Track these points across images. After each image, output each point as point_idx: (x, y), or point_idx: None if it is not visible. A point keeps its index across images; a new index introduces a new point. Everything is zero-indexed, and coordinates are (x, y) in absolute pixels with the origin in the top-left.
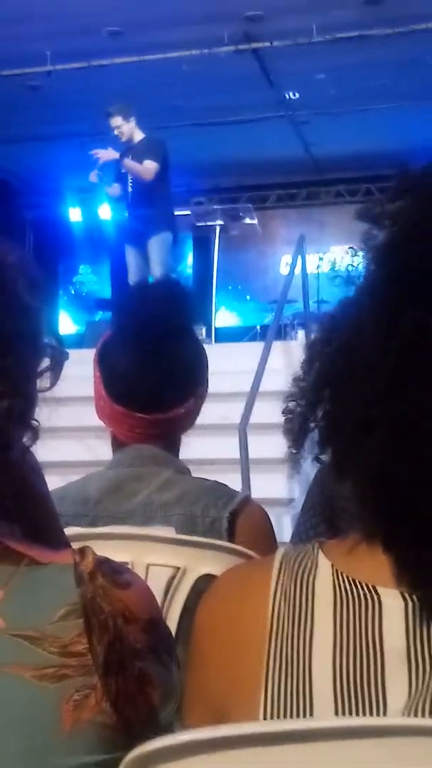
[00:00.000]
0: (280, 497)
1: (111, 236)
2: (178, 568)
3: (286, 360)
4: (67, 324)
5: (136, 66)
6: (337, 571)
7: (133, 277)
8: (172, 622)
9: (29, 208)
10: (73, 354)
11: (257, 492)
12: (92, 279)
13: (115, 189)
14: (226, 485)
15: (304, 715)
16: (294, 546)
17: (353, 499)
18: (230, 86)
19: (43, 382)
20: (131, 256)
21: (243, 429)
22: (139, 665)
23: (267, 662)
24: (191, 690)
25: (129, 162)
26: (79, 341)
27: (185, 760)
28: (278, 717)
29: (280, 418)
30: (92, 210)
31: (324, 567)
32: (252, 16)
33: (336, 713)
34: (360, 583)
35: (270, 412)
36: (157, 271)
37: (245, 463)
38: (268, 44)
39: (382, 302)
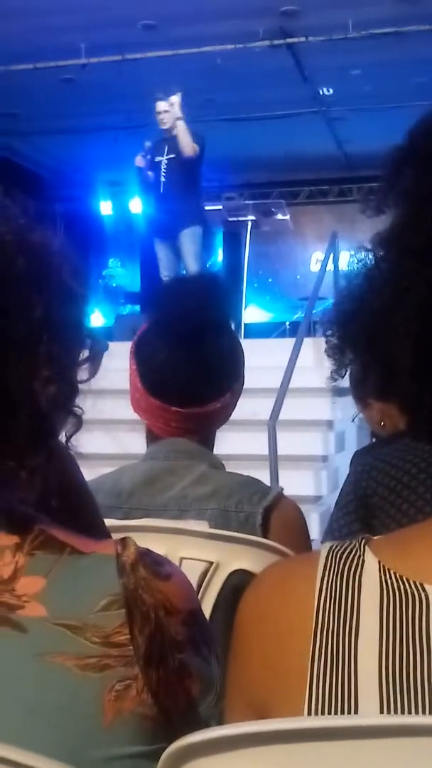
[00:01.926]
0: (307, 494)
1: (141, 230)
2: (211, 563)
3: (316, 357)
4: (96, 317)
5: (170, 60)
6: (384, 567)
7: (164, 271)
8: (205, 616)
9: (61, 201)
10: None
11: (285, 488)
12: (121, 272)
13: (140, 160)
14: (260, 480)
15: (349, 712)
16: (339, 541)
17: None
18: (264, 81)
19: (81, 374)
20: (161, 250)
21: (272, 425)
22: (179, 657)
23: (312, 658)
24: (232, 685)
25: (183, 131)
26: (109, 334)
27: (226, 754)
28: (323, 713)
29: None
30: (123, 204)
31: (371, 563)
32: (287, 11)
33: (381, 711)
34: (407, 580)
35: (299, 408)
36: (190, 264)
37: (274, 459)
38: (303, 39)
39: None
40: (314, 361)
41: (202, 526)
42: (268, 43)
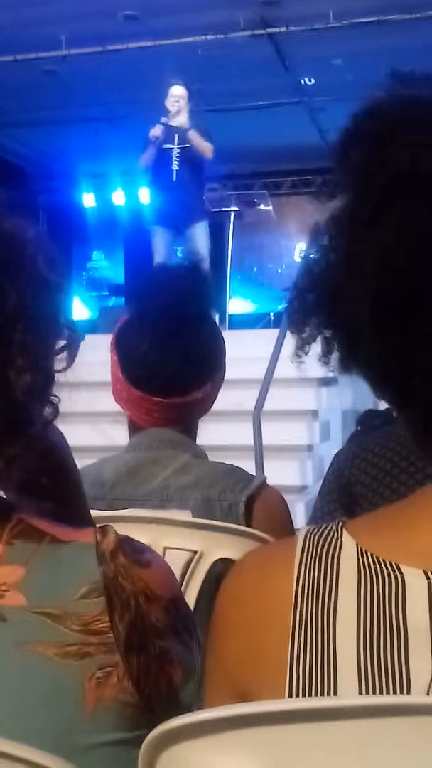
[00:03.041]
0: (293, 484)
1: (125, 222)
2: (195, 552)
3: None
4: (80, 309)
5: (151, 51)
6: (361, 548)
7: (158, 259)
8: (189, 605)
9: (43, 193)
10: (87, 339)
11: (271, 478)
12: (105, 264)
13: (157, 130)
14: (243, 469)
15: (329, 693)
16: (317, 524)
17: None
18: (246, 71)
19: (58, 363)
20: (161, 238)
21: (257, 415)
22: (160, 644)
23: (291, 639)
24: (213, 670)
25: (196, 136)
26: (93, 327)
27: (207, 737)
28: (303, 695)
29: (293, 405)
30: (106, 195)
31: (348, 545)
32: (268, 0)
33: (360, 691)
34: (384, 561)
35: (284, 398)
36: (205, 257)
37: (259, 450)
38: (284, 29)
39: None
40: None
41: (186, 516)
42: (249, 33)
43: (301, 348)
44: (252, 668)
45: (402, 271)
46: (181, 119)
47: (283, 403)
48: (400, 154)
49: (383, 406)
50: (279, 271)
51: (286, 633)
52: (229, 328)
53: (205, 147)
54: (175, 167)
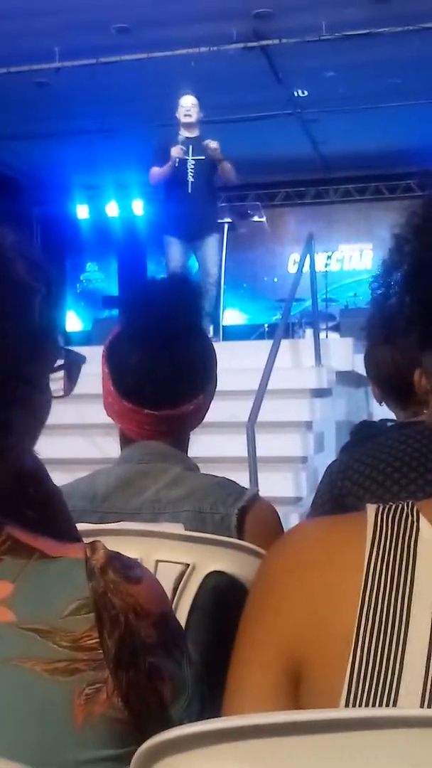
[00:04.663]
0: (287, 495)
1: (118, 233)
2: (187, 565)
3: (294, 358)
4: (74, 321)
5: (144, 63)
6: None
7: (174, 269)
8: (181, 619)
9: (36, 205)
10: (81, 351)
11: (265, 490)
12: (99, 276)
13: (178, 151)
14: (234, 482)
15: (391, 686)
16: (385, 505)
17: None
18: (239, 84)
19: (57, 386)
20: (175, 249)
21: (251, 427)
22: (150, 660)
23: (359, 620)
24: (260, 636)
25: (227, 166)
26: (87, 338)
27: (199, 750)
28: (367, 677)
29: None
30: (99, 207)
31: (426, 532)
32: (261, 13)
33: (425, 691)
34: None
35: (278, 410)
36: (213, 271)
37: (253, 461)
38: (276, 42)
39: None
40: (292, 362)
41: (177, 529)
42: (242, 45)
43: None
44: (317, 634)
45: None
46: (194, 130)
47: (277, 414)
48: None
49: (377, 417)
50: (275, 280)
51: (354, 607)
52: (223, 340)
53: (233, 175)
54: (190, 179)
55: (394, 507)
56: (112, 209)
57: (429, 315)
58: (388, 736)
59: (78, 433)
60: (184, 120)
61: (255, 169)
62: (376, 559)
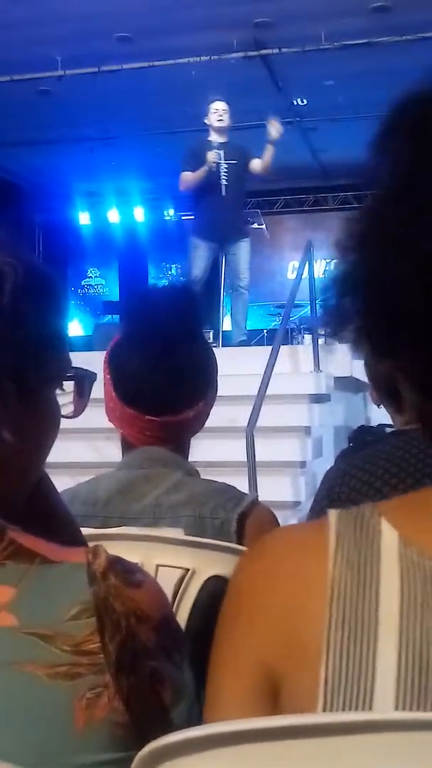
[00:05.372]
0: (286, 500)
1: (119, 239)
2: (187, 570)
3: (293, 364)
4: (75, 327)
5: (145, 71)
6: (402, 539)
7: (196, 272)
8: (182, 623)
9: (39, 212)
10: (82, 356)
11: (264, 495)
12: (100, 282)
13: (214, 156)
14: (234, 487)
15: (365, 690)
16: (346, 510)
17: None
18: (239, 92)
19: (67, 408)
20: (203, 251)
21: (250, 432)
22: (151, 664)
23: (329, 624)
24: (238, 648)
25: (271, 151)
26: (88, 343)
27: (198, 754)
28: (340, 685)
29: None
30: (101, 213)
31: (388, 534)
32: (261, 22)
33: (398, 700)
34: (425, 555)
35: (277, 415)
36: (245, 275)
37: (252, 466)
38: (276, 51)
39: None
40: (291, 368)
41: (178, 534)
42: (242, 54)
43: (339, 330)
44: (290, 644)
45: None
46: (225, 134)
47: (276, 419)
48: None
49: (375, 422)
50: (275, 286)
51: (322, 615)
52: (222, 346)
53: (270, 164)
54: (223, 182)
55: (356, 511)
56: (113, 216)
57: (382, 324)
58: (389, 738)
59: (80, 437)
60: (216, 124)
61: (254, 177)
62: (341, 565)
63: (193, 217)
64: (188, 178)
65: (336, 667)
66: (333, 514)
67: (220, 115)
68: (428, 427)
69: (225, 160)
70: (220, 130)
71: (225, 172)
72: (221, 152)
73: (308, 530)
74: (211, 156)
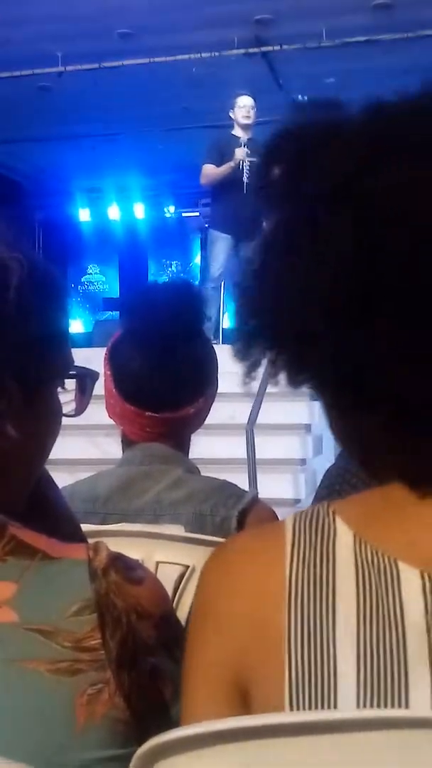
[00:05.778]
0: (286, 498)
1: (120, 236)
2: (187, 567)
3: None
4: (75, 323)
5: (146, 68)
6: (357, 537)
7: (217, 266)
8: (182, 619)
9: (39, 209)
10: (82, 353)
11: (264, 492)
12: (100, 278)
13: (241, 152)
14: (235, 484)
15: (329, 688)
16: (303, 511)
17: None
18: (240, 89)
19: (68, 406)
20: (224, 247)
21: (250, 429)
22: (152, 661)
23: (288, 626)
24: (202, 665)
25: None
26: (88, 340)
27: (198, 751)
28: (302, 696)
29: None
30: (101, 210)
31: (343, 533)
32: (262, 19)
33: (358, 697)
34: (379, 552)
35: (277, 412)
36: None
37: (252, 463)
38: (277, 48)
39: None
40: None
41: (178, 530)
42: (243, 51)
43: (252, 370)
44: (254, 648)
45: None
46: (250, 131)
47: (276, 416)
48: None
49: None
50: None
51: (282, 618)
52: (223, 343)
53: None
54: (245, 179)
55: (311, 512)
56: (113, 212)
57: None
58: (389, 736)
59: (80, 434)
60: (243, 121)
61: None
62: (297, 568)
63: (211, 210)
64: (212, 172)
65: (299, 672)
66: (290, 517)
67: (247, 112)
68: (349, 440)
69: (249, 157)
70: (245, 127)
71: (248, 169)
72: (246, 149)
73: (265, 535)
74: (240, 154)
